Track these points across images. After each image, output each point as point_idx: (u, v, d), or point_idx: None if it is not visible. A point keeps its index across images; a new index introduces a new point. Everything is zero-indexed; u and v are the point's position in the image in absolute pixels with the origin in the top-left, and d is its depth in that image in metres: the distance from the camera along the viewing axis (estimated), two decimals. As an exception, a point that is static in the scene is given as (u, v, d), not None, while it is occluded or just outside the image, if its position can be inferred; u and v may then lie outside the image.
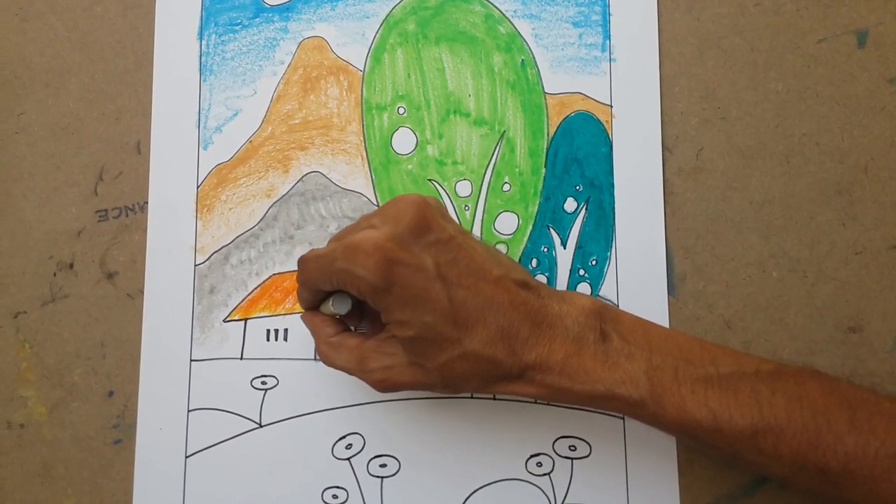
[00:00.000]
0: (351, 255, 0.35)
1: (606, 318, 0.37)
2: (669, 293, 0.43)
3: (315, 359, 0.44)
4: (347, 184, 0.45)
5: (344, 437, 0.43)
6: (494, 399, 0.43)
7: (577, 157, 0.45)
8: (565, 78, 0.45)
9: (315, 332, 0.40)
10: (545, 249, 0.44)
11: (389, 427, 0.43)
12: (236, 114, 0.46)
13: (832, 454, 0.33)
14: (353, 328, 0.41)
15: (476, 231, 0.45)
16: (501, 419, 0.43)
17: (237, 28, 0.46)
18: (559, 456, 0.43)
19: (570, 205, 0.44)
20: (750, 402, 0.34)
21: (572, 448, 0.43)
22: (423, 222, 0.35)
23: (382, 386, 0.37)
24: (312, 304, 0.40)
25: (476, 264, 0.35)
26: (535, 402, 0.43)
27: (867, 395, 0.35)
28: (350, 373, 0.38)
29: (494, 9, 0.46)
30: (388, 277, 0.34)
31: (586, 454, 0.43)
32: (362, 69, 0.46)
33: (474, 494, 0.43)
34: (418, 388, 0.37)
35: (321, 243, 0.45)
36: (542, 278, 0.44)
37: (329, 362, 0.39)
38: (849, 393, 0.35)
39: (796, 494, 0.41)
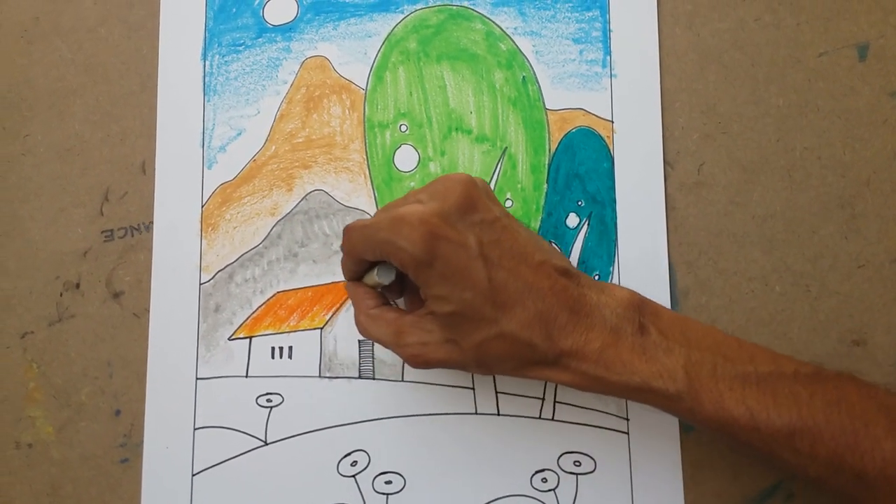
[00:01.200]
0: (396, 227, 0.35)
1: (645, 312, 0.37)
2: (673, 308, 0.43)
3: (320, 375, 0.44)
4: (351, 201, 0.45)
5: (349, 454, 0.44)
6: (499, 415, 0.43)
7: (578, 173, 0.45)
8: (566, 94, 0.45)
9: (356, 303, 0.40)
10: (548, 265, 0.44)
11: (395, 444, 0.43)
12: (240, 133, 0.46)
13: (870, 458, 0.33)
14: (393, 303, 0.41)
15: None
16: (506, 435, 0.43)
17: (240, 48, 0.47)
18: (564, 472, 0.43)
19: (572, 220, 0.45)
20: (788, 402, 0.34)
21: (577, 464, 0.43)
22: (470, 201, 0.35)
23: (417, 361, 0.37)
24: (356, 273, 0.40)
25: (519, 247, 0.36)
26: (540, 418, 0.43)
27: None
28: (385, 345, 0.38)
29: (495, 26, 0.46)
30: (431, 251, 0.34)
31: (591, 470, 0.43)
32: (364, 88, 0.46)
33: (480, 511, 0.43)
34: (452, 365, 0.37)
35: (325, 261, 0.45)
36: (545, 294, 0.44)
37: (366, 333, 0.39)
38: (887, 399, 0.35)
39: (802, 509, 0.42)
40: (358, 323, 0.39)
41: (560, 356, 0.35)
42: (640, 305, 0.37)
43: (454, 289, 0.35)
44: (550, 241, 0.44)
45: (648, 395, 0.35)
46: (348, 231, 0.38)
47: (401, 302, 0.42)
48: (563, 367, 0.36)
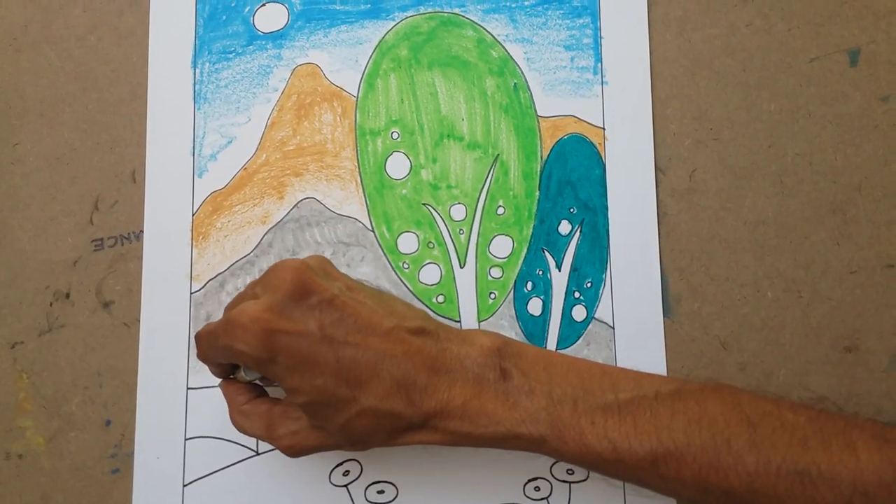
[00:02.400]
0: (231, 331, 0.35)
1: (507, 355, 0.37)
2: (665, 315, 0.43)
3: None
4: (342, 209, 0.45)
5: (341, 463, 0.43)
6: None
7: (570, 180, 0.45)
8: (558, 101, 0.45)
9: (228, 401, 0.39)
10: (540, 272, 0.44)
11: (387, 453, 0.43)
12: (231, 141, 0.46)
13: (734, 475, 0.33)
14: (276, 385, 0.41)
15: (471, 254, 0.45)
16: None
17: (231, 56, 0.46)
18: (557, 480, 0.43)
19: (564, 227, 0.44)
20: (649, 428, 0.34)
21: (570, 472, 0.43)
22: (303, 286, 0.35)
23: (291, 452, 0.37)
24: (222, 373, 0.40)
25: (364, 320, 0.35)
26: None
27: (769, 408, 0.35)
28: (261, 439, 0.38)
29: (486, 33, 0.46)
30: (269, 348, 0.34)
31: (584, 478, 0.43)
32: (356, 95, 0.46)
33: (473, 520, 0.43)
34: (326, 448, 0.37)
35: (316, 269, 0.45)
36: (537, 301, 0.44)
37: (241, 430, 0.38)
38: (751, 408, 0.35)
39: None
40: (232, 421, 0.39)
41: (426, 419, 0.35)
42: (501, 350, 0.37)
43: (304, 378, 0.34)
44: (541, 249, 0.44)
45: (515, 441, 0.35)
46: (197, 339, 0.38)
47: None
48: (432, 428, 0.35)
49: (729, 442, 0.34)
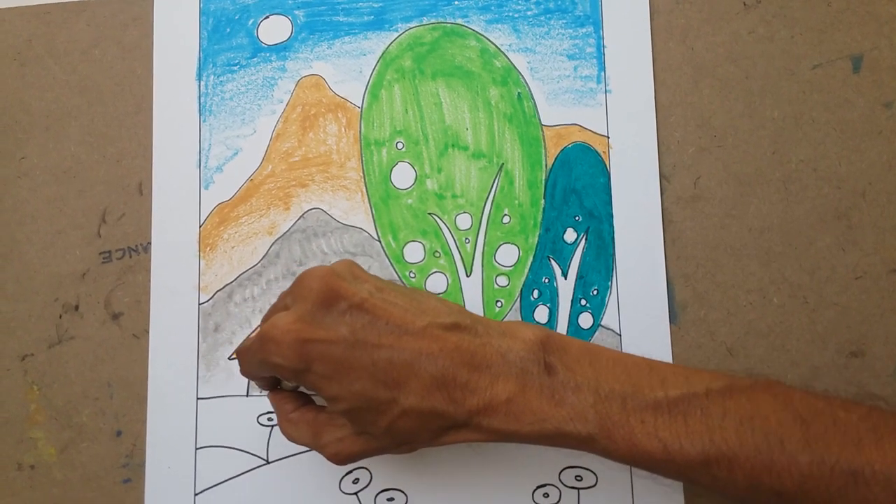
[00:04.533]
0: (265, 345, 0.35)
1: (551, 349, 0.36)
2: (671, 321, 0.44)
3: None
4: (348, 219, 0.46)
5: (351, 471, 0.44)
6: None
7: (575, 188, 0.45)
8: (562, 110, 0.45)
9: (277, 411, 0.40)
10: (546, 280, 0.44)
11: (396, 461, 0.43)
12: (236, 153, 0.46)
13: (787, 475, 0.33)
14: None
15: (477, 263, 0.45)
16: (508, 450, 0.43)
17: (235, 68, 0.47)
18: (566, 486, 0.43)
19: (569, 235, 0.45)
20: (700, 427, 0.33)
21: (579, 478, 0.43)
22: (331, 293, 0.35)
23: (337, 459, 0.37)
24: (268, 386, 0.40)
25: (396, 320, 0.35)
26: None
27: (821, 406, 0.34)
28: (309, 447, 0.38)
29: (490, 43, 0.46)
30: (304, 358, 0.34)
31: (593, 484, 0.43)
32: (360, 106, 0.46)
33: (482, 527, 0.43)
34: (372, 454, 0.37)
35: (323, 279, 0.45)
36: (543, 310, 0.44)
37: (290, 438, 0.39)
38: (802, 405, 0.34)
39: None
40: (281, 429, 0.39)
41: (470, 416, 0.34)
42: (545, 343, 0.36)
43: (341, 385, 0.34)
44: (547, 258, 0.44)
45: (563, 439, 0.35)
46: (238, 356, 0.39)
47: None
48: (476, 426, 0.35)
49: (782, 442, 0.33)
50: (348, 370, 0.34)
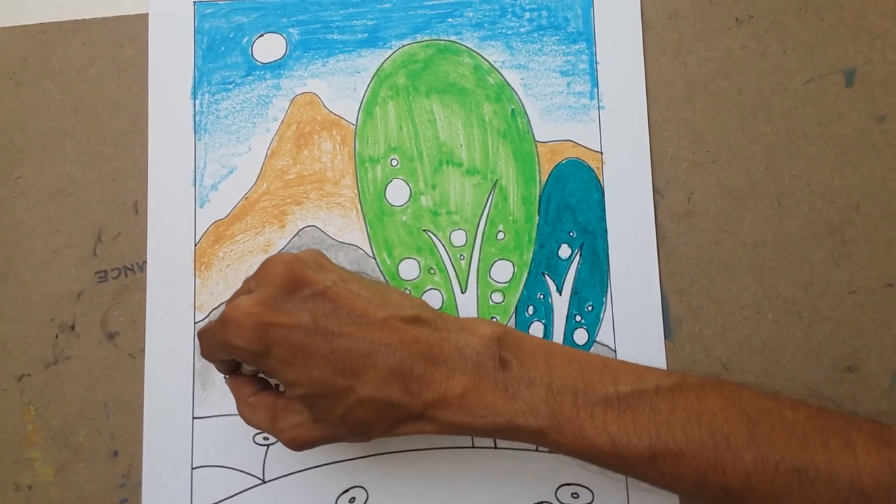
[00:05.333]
0: (226, 327, 0.35)
1: (507, 345, 0.37)
2: (666, 337, 0.44)
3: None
4: (343, 237, 0.46)
5: (347, 490, 0.44)
6: (496, 448, 0.43)
7: (569, 204, 0.45)
8: (555, 126, 0.45)
9: (235, 394, 0.40)
10: (541, 296, 0.45)
11: (392, 479, 0.43)
12: (231, 171, 0.46)
13: (732, 472, 0.33)
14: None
15: (472, 280, 0.45)
16: (504, 468, 0.43)
17: (230, 86, 0.47)
18: (561, 503, 0.43)
19: (564, 251, 0.45)
20: (648, 423, 0.34)
21: (575, 496, 0.43)
22: (295, 279, 0.35)
23: (294, 444, 0.37)
24: (226, 369, 0.40)
25: (358, 310, 0.35)
26: (537, 450, 0.43)
27: (769, 405, 0.35)
28: (266, 431, 0.39)
29: (483, 60, 0.46)
30: (263, 342, 0.34)
31: (589, 501, 0.43)
32: (355, 123, 0.46)
33: (478, 545, 0.43)
34: (328, 441, 0.37)
35: (319, 297, 0.45)
36: (538, 325, 0.44)
37: (247, 421, 0.39)
38: (750, 404, 0.35)
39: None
40: (239, 413, 0.39)
41: (425, 408, 0.35)
42: (501, 339, 0.37)
43: (300, 371, 0.35)
44: (541, 274, 0.44)
45: (514, 432, 0.35)
46: (199, 337, 0.39)
47: None
48: (431, 418, 0.35)
49: (728, 439, 0.33)
50: (307, 356, 0.35)
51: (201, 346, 0.39)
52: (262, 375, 0.40)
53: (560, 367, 0.36)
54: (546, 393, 0.35)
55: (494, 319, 0.44)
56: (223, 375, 0.42)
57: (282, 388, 0.40)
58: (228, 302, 0.39)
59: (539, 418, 0.35)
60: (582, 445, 0.34)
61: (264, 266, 0.37)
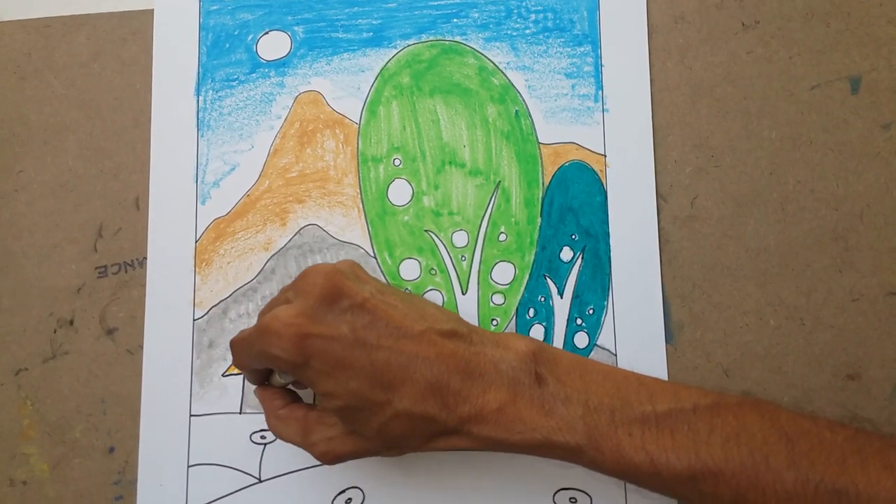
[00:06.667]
0: (265, 337, 0.35)
1: (542, 361, 0.36)
2: (667, 342, 0.43)
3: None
4: (344, 236, 0.45)
5: (343, 490, 0.43)
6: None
7: (572, 207, 0.45)
8: (559, 128, 0.45)
9: (264, 406, 0.40)
10: (542, 299, 0.44)
11: (389, 481, 0.43)
12: (234, 168, 0.46)
13: (772, 493, 0.33)
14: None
15: (473, 281, 0.45)
16: (501, 472, 0.43)
17: (234, 84, 0.47)
18: (560, 508, 0.43)
19: (566, 254, 0.45)
20: (687, 442, 0.34)
21: (573, 500, 0.43)
22: (335, 290, 0.35)
23: (326, 458, 0.37)
24: (257, 380, 0.40)
25: (395, 322, 0.35)
26: (535, 454, 0.43)
27: (807, 426, 0.34)
28: (296, 445, 0.38)
29: (488, 61, 0.46)
30: (303, 352, 0.34)
31: (587, 506, 0.43)
32: (358, 122, 0.46)
33: (475, 548, 0.43)
34: (361, 455, 0.37)
35: (319, 296, 0.45)
36: (539, 328, 0.44)
37: (277, 434, 0.39)
38: (789, 424, 0.34)
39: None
40: (269, 425, 0.39)
41: (461, 423, 0.35)
42: (536, 354, 0.36)
43: (338, 382, 0.34)
44: (543, 276, 0.44)
45: (551, 449, 0.35)
46: (231, 347, 0.39)
47: None
48: (466, 433, 0.35)
49: (767, 459, 0.33)
50: (346, 368, 0.34)
51: (234, 354, 0.38)
52: (292, 387, 0.40)
53: (596, 383, 0.36)
54: (583, 410, 0.35)
55: (495, 322, 0.44)
56: (251, 384, 0.41)
57: (316, 401, 0.40)
58: (263, 312, 0.39)
59: (576, 435, 0.34)
60: (620, 464, 0.34)
61: (303, 276, 0.37)
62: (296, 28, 0.47)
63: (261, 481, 0.44)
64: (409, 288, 0.45)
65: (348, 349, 0.34)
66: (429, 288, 0.45)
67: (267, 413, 0.39)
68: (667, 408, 0.35)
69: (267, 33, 0.47)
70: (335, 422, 0.37)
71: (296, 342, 0.34)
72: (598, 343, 0.44)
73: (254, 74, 0.47)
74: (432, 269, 0.45)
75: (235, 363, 0.39)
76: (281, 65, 0.47)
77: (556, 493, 0.43)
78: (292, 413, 0.38)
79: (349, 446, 0.37)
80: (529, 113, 0.45)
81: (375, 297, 0.36)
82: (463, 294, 0.45)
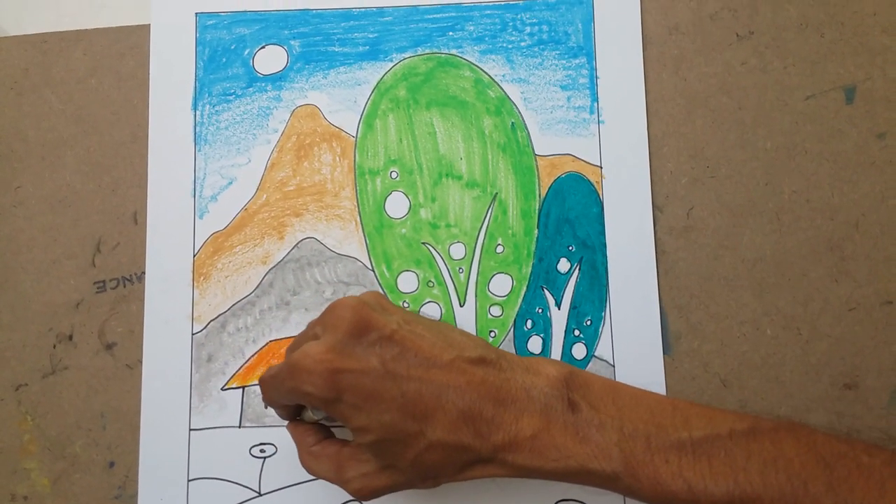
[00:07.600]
0: (296, 374, 0.35)
1: (574, 386, 0.36)
2: (665, 352, 0.44)
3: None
4: (342, 249, 0.46)
5: None
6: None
7: (568, 218, 0.45)
8: (555, 140, 0.45)
9: (297, 443, 0.40)
10: (540, 310, 0.44)
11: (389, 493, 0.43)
12: (231, 182, 0.46)
13: None
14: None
15: (471, 293, 0.45)
16: (501, 484, 0.43)
17: (231, 98, 0.47)
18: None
19: (563, 265, 0.45)
20: (725, 469, 0.34)
21: (572, 511, 0.43)
22: (362, 323, 0.35)
23: (361, 494, 0.37)
24: (289, 416, 0.40)
25: (424, 352, 0.35)
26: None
27: (844, 450, 0.34)
28: (331, 482, 0.38)
29: (484, 74, 0.46)
30: (335, 388, 0.34)
31: (586, 517, 0.43)
32: (355, 135, 0.46)
33: (475, 560, 0.43)
34: (397, 489, 0.37)
35: (317, 309, 0.45)
36: (537, 340, 0.44)
37: (311, 472, 0.39)
38: (826, 449, 0.34)
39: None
40: (302, 462, 0.39)
41: (495, 451, 0.35)
42: (568, 380, 0.36)
43: (371, 416, 0.34)
44: (540, 287, 0.44)
45: (587, 477, 0.35)
46: (261, 384, 0.39)
47: None
48: (500, 462, 0.35)
49: (806, 484, 0.33)
50: (378, 401, 0.34)
51: (264, 392, 0.39)
52: (324, 423, 0.40)
53: (629, 408, 0.36)
54: (618, 436, 0.35)
55: (493, 334, 0.44)
56: (276, 413, 0.41)
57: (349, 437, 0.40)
58: (291, 348, 0.39)
59: (612, 462, 0.34)
60: (657, 491, 0.34)
61: (330, 311, 0.36)
62: (292, 42, 0.47)
63: (260, 495, 0.44)
64: (408, 301, 0.45)
65: (379, 382, 0.34)
66: (427, 300, 0.45)
67: (300, 450, 0.39)
68: (703, 434, 0.35)
69: (263, 47, 0.47)
70: (369, 457, 0.37)
71: (327, 378, 0.34)
72: (597, 354, 0.44)
73: (250, 88, 0.47)
74: (430, 281, 0.45)
75: (265, 400, 0.39)
76: (277, 79, 0.47)
77: (556, 503, 0.43)
78: (325, 450, 0.38)
79: (384, 481, 0.37)
80: (525, 125, 0.46)
81: (403, 329, 0.36)
82: (461, 306, 0.45)
